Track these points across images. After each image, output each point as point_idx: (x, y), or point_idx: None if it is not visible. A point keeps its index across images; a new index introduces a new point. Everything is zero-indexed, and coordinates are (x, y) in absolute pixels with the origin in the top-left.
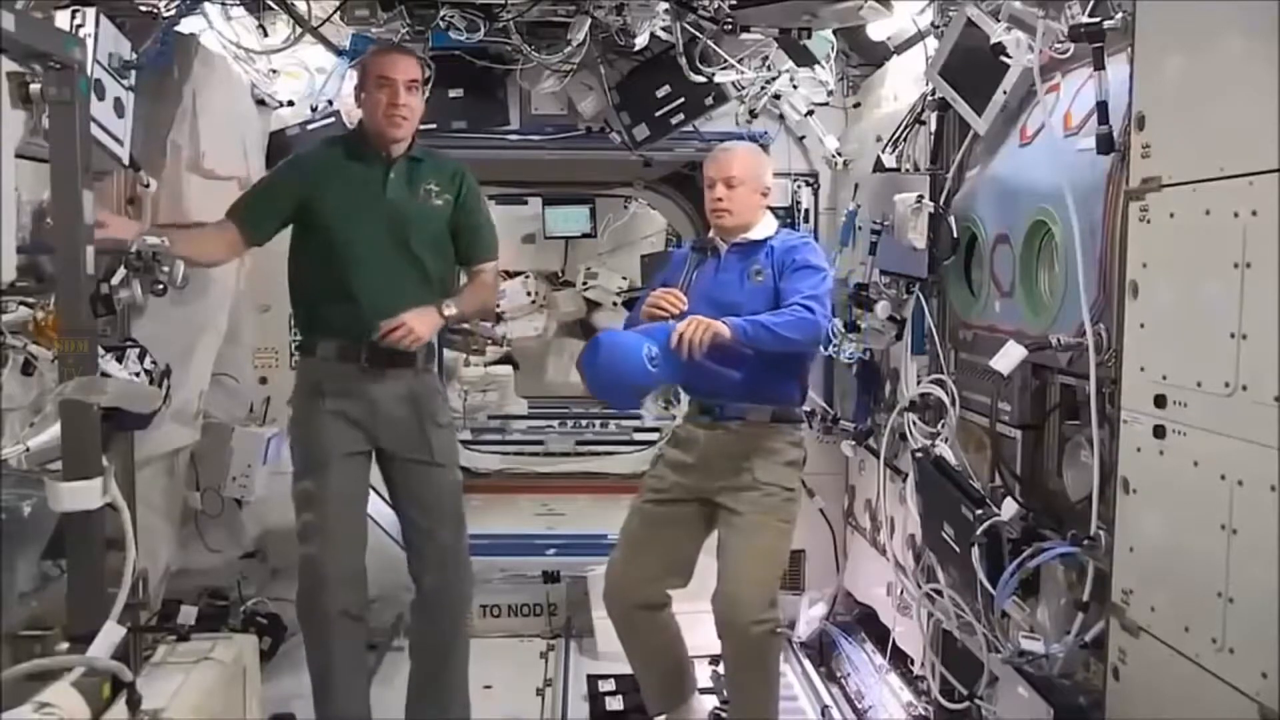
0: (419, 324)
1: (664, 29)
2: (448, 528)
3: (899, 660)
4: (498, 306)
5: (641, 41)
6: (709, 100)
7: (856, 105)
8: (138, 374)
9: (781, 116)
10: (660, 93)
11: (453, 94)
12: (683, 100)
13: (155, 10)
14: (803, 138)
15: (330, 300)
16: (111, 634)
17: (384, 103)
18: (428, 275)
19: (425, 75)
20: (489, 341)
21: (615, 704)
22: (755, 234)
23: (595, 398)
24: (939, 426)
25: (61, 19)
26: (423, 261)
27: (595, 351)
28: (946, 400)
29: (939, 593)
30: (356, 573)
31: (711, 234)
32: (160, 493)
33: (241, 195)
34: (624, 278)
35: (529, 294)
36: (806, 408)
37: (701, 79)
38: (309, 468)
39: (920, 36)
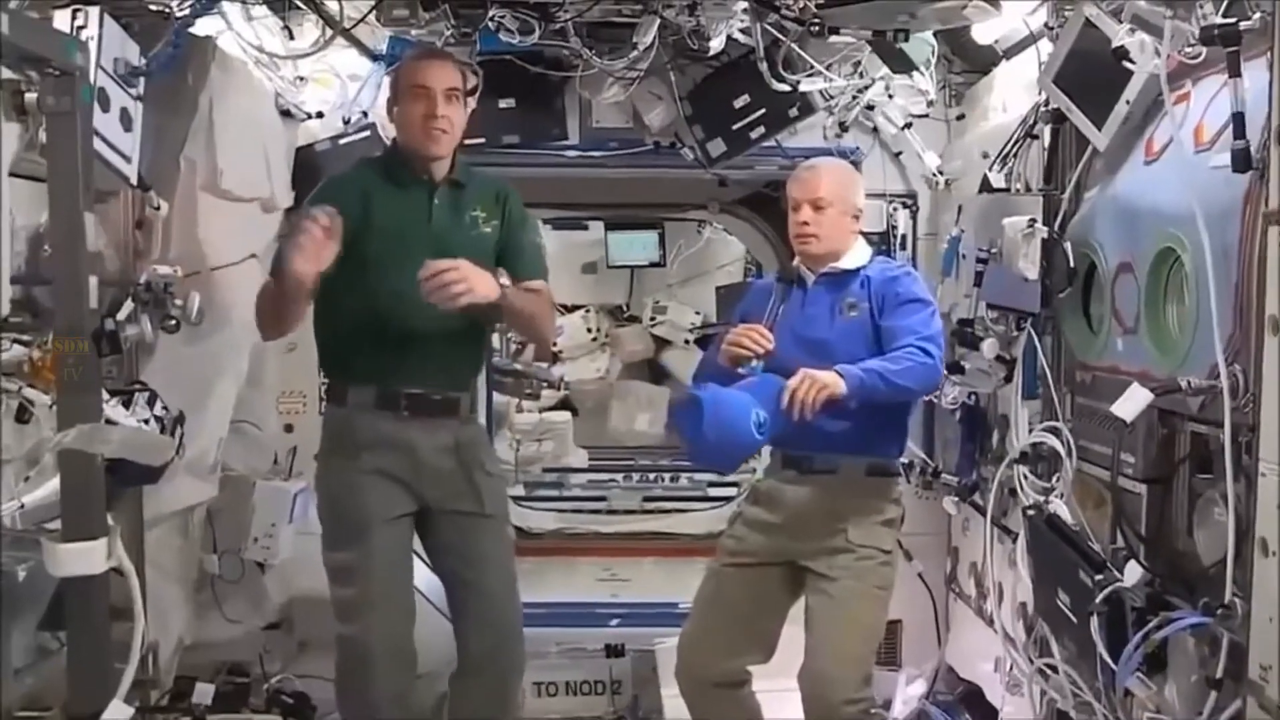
0: (475, 275)
1: (742, 31)
2: (500, 585)
3: None
4: (554, 344)
5: (717, 45)
6: (793, 111)
7: (960, 117)
8: (147, 421)
9: (875, 130)
10: (738, 103)
11: (503, 104)
12: (763, 111)
13: (167, 9)
14: (899, 154)
15: (365, 342)
16: (118, 714)
17: (420, 115)
18: (474, 313)
19: (471, 84)
20: (544, 384)
21: None
22: (846, 263)
23: (692, 462)
24: (1053, 480)
25: (61, 19)
26: None
27: (697, 416)
28: (1062, 451)
29: (1053, 668)
30: (405, 653)
31: (796, 263)
32: (172, 555)
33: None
34: (697, 312)
35: (589, 330)
36: (904, 459)
37: (785, 88)
38: (346, 536)
39: (1032, 39)
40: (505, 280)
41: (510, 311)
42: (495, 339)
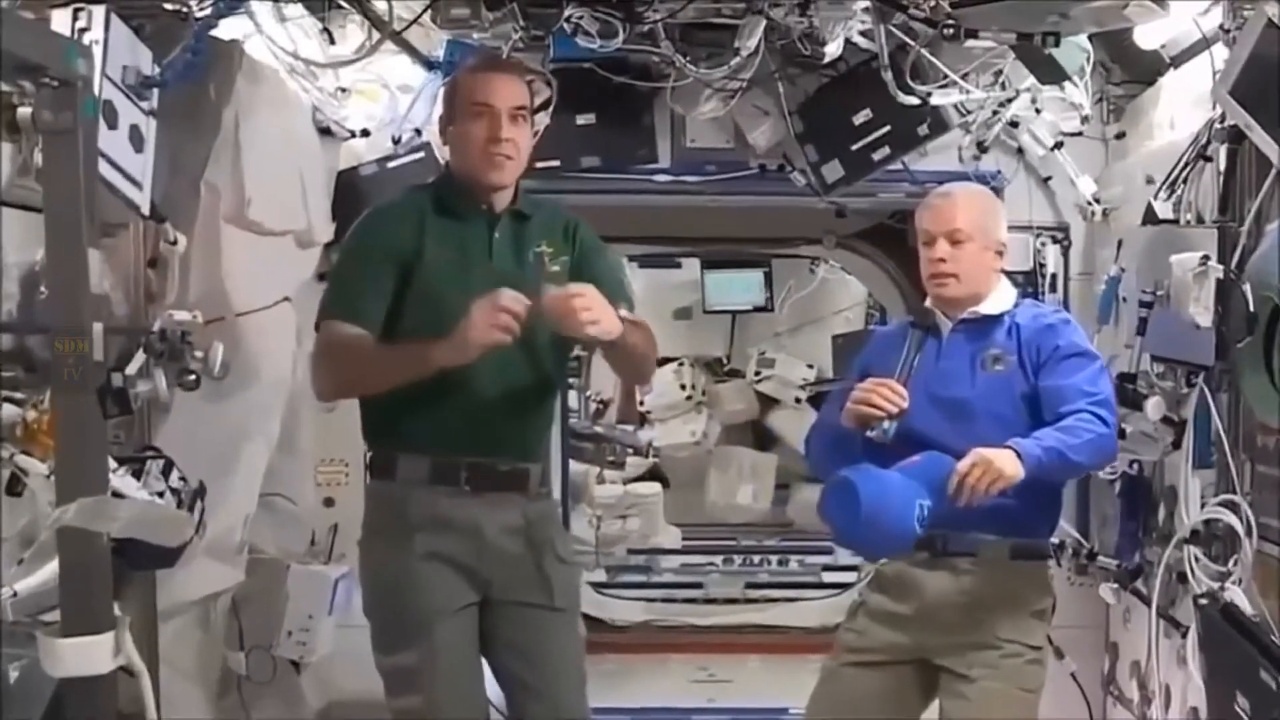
0: (603, 307)
1: (863, 34)
2: (567, 691)
3: None
4: (641, 403)
5: (833, 51)
6: (923, 129)
7: (1120, 135)
8: (161, 494)
9: (1020, 151)
10: (858, 119)
11: (581, 121)
12: (888, 129)
13: (185, 9)
14: (1048, 179)
15: (417, 403)
16: None
17: (480, 138)
18: (542, 366)
19: (544, 97)
20: (629, 451)
21: None
22: (989, 307)
23: (838, 545)
24: (1230, 564)
25: (60, 20)
26: (537, 348)
27: (852, 505)
28: (1240, 529)
29: None
30: None
31: (928, 306)
32: (191, 652)
33: (341, 292)
34: (810, 366)
35: (683, 387)
36: (1054, 538)
37: (913, 101)
38: (404, 634)
39: (1205, 44)
40: (624, 312)
41: (625, 351)
42: (572, 398)
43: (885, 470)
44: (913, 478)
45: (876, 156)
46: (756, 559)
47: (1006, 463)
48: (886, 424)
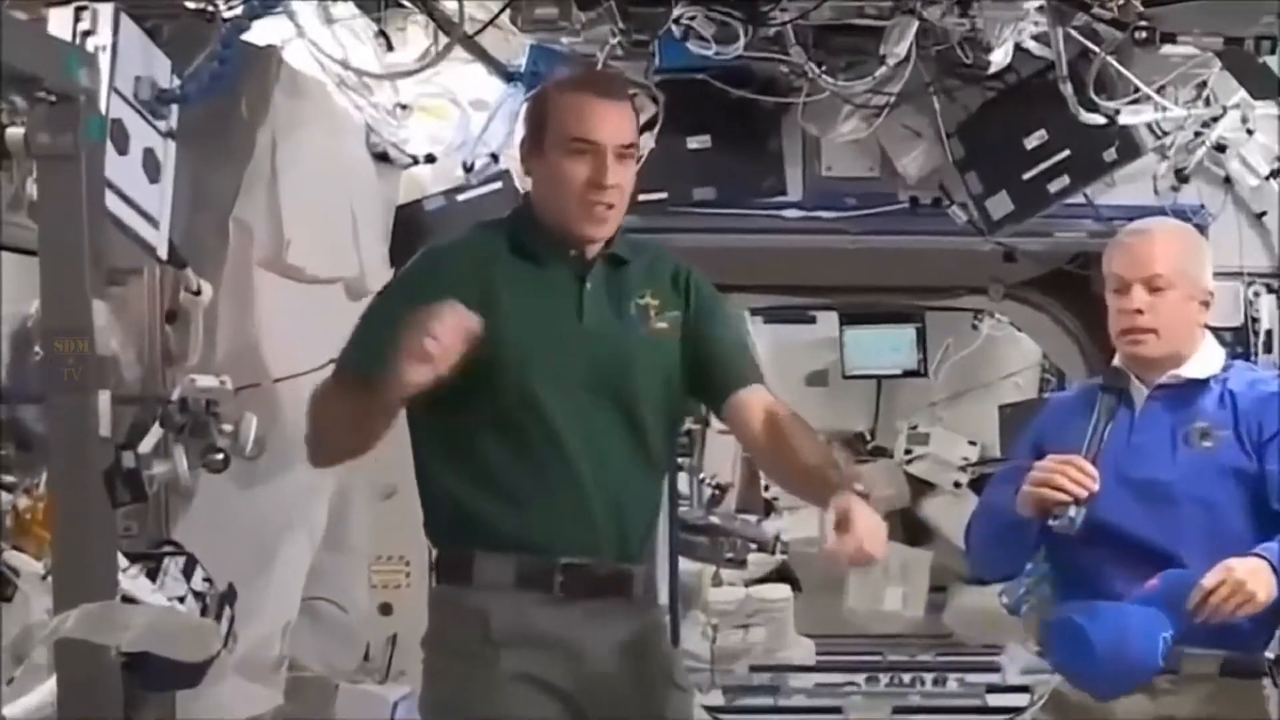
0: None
1: (1036, 39)
2: None
3: None
4: (766, 489)
5: (1000, 59)
6: (1110, 154)
7: None
8: (181, 598)
9: (1228, 180)
10: (1030, 142)
11: (693, 144)
12: (1067, 154)
13: (211, 8)
14: (1262, 214)
15: (495, 490)
16: None
17: (579, 183)
18: (647, 445)
19: (649, 117)
20: (752, 546)
21: None
22: (1193, 369)
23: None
24: None
25: (59, 22)
26: (642, 422)
27: (1086, 652)
28: None
29: None
30: None
31: (1118, 365)
32: None
33: (363, 347)
34: (972, 442)
35: None
36: (1269, 651)
37: (1098, 119)
38: None
39: None
40: (764, 391)
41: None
42: (682, 481)
43: (1119, 604)
44: (1152, 604)
45: (1053, 188)
46: (907, 678)
47: (1261, 583)
48: (1073, 511)
